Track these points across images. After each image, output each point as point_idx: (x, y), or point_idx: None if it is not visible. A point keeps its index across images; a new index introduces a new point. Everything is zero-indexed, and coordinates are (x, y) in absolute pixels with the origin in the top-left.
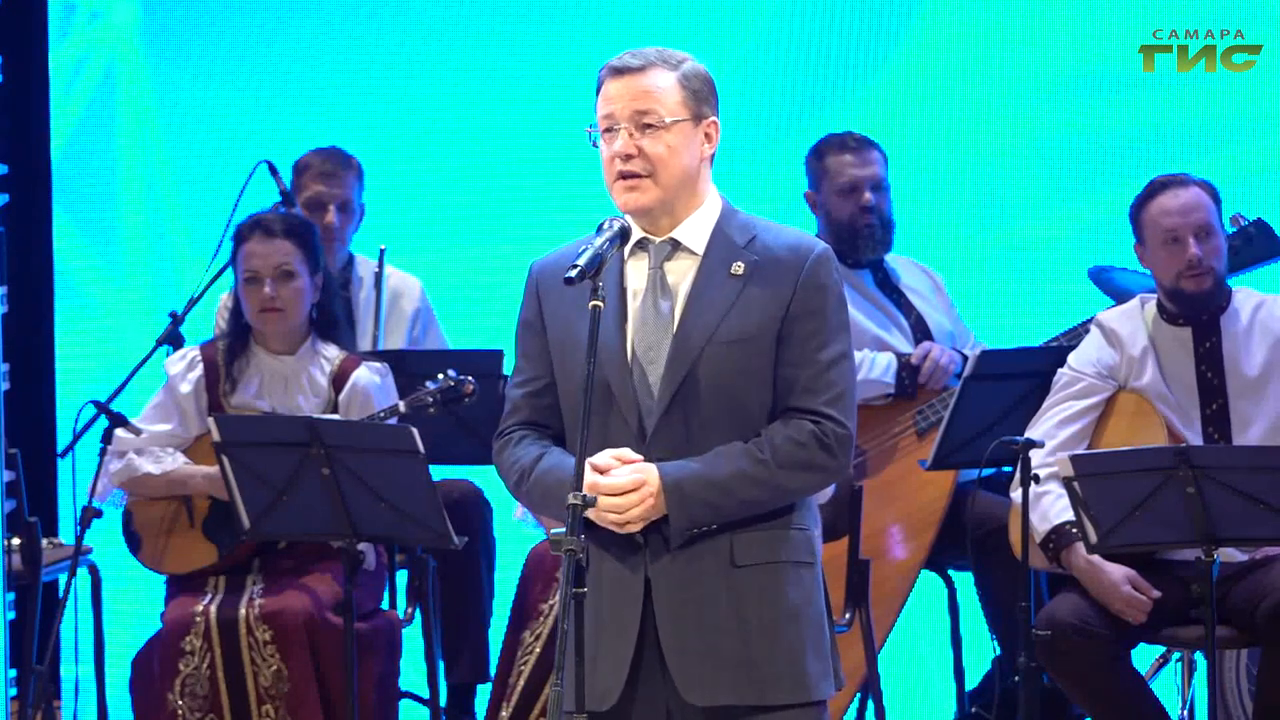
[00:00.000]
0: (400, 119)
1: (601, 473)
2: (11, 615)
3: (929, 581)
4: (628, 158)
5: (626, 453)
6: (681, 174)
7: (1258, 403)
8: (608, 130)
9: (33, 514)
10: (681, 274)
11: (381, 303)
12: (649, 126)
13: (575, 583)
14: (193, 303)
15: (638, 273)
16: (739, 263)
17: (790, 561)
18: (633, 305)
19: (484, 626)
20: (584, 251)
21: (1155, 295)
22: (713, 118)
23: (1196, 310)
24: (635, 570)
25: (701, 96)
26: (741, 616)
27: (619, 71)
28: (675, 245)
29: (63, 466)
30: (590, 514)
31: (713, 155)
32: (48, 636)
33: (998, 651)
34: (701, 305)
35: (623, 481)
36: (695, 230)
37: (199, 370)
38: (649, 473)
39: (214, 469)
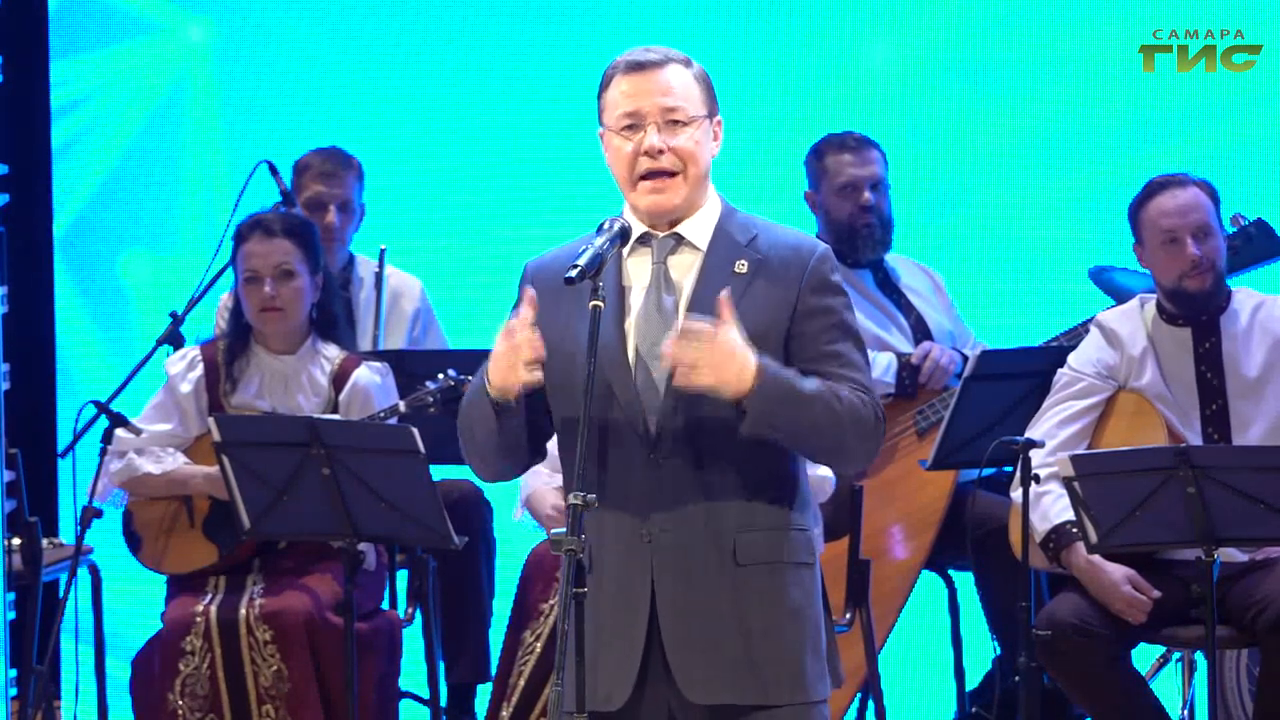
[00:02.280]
0: (400, 118)
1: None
2: (11, 615)
3: (929, 581)
4: (659, 154)
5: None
6: (705, 170)
7: (1257, 403)
8: (629, 127)
9: (33, 514)
10: (685, 269)
11: (382, 303)
12: (678, 123)
13: (575, 583)
14: (193, 303)
15: (638, 269)
16: (742, 261)
17: (791, 562)
18: (633, 302)
19: (484, 626)
20: (584, 251)
21: (1155, 295)
22: (718, 115)
23: (1196, 310)
24: (640, 571)
25: (712, 94)
26: (743, 616)
27: (639, 67)
28: (679, 240)
29: (63, 466)
30: (653, 355)
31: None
32: (48, 636)
33: (998, 651)
34: (707, 303)
35: (704, 327)
36: (698, 227)
37: (199, 370)
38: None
39: (214, 469)
